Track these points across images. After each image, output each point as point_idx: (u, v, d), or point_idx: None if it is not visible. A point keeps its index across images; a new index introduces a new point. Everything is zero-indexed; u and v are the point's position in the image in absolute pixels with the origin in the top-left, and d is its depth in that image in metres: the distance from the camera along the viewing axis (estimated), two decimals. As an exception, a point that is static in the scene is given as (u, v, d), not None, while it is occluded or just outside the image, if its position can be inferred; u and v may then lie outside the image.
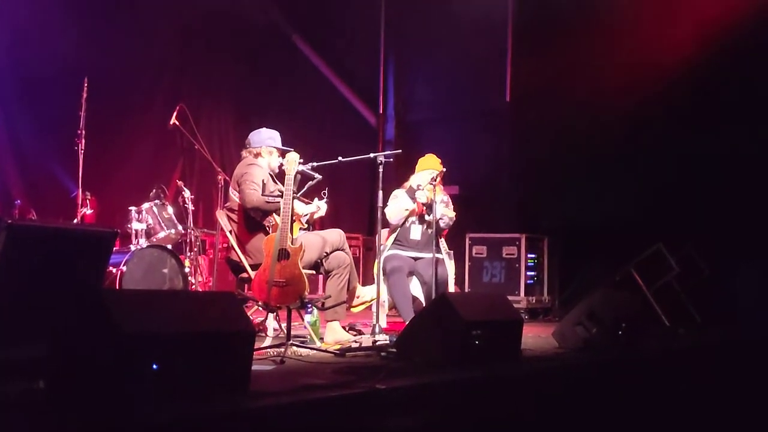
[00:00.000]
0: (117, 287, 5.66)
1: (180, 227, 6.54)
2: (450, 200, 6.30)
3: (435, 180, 5.99)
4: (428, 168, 6.16)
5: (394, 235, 6.05)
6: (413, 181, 6.12)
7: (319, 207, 5.30)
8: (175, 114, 6.87)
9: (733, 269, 7.05)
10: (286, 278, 4.59)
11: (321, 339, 5.06)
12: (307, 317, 5.10)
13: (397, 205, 5.97)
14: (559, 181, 8.60)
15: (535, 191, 8.89)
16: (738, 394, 4.96)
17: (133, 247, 6.07)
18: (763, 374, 5.18)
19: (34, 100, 7.33)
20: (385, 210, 5.78)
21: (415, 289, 5.87)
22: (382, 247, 5.65)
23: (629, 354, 4.91)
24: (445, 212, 5.98)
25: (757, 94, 7.54)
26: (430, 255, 5.80)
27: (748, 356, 5.56)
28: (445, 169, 6.19)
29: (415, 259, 5.90)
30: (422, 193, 5.90)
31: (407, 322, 5.39)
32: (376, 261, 5.70)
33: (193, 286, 6.52)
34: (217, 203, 6.98)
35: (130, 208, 6.35)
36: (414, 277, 5.88)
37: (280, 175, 5.08)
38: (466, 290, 7.96)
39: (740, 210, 7.53)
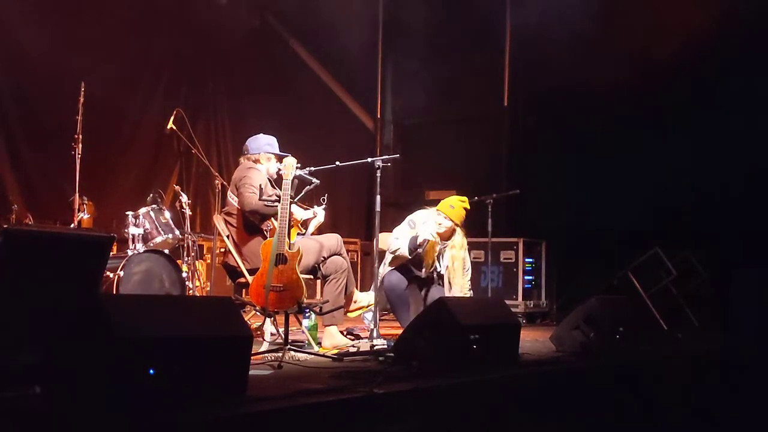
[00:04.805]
0: (114, 292, 5.65)
1: (177, 232, 6.53)
2: (466, 255, 5.90)
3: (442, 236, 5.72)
4: (453, 216, 5.73)
5: (393, 257, 5.75)
6: (429, 220, 5.72)
7: (317, 213, 5.29)
8: (172, 119, 6.87)
9: (730, 274, 7.04)
10: (284, 283, 4.58)
11: (318, 344, 5.04)
12: (305, 322, 5.09)
13: (395, 256, 5.62)
14: (556, 186, 8.60)
15: (533, 196, 8.89)
16: (735, 398, 4.97)
17: (130, 252, 6.06)
18: (760, 379, 5.18)
19: (31, 104, 7.34)
20: (388, 250, 5.58)
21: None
22: (379, 265, 5.46)
23: (627, 358, 4.90)
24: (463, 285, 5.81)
25: (758, 96, 7.53)
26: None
27: (745, 361, 5.56)
28: (457, 224, 5.72)
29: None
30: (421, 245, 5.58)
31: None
32: (376, 265, 5.63)
33: (191, 291, 6.51)
34: (215, 208, 6.98)
35: (127, 212, 6.34)
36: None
37: (278, 181, 5.07)
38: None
39: (739, 215, 7.53)
